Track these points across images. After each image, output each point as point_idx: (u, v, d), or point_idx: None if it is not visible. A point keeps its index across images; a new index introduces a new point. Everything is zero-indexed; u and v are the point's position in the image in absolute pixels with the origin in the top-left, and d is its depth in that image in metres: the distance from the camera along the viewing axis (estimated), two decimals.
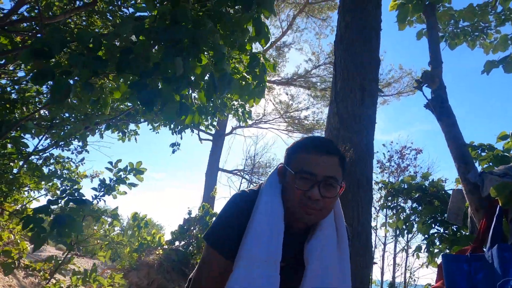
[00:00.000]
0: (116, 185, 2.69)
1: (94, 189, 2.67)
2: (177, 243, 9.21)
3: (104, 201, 2.58)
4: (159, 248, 8.78)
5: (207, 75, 2.25)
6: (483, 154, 2.88)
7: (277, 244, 1.08)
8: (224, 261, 1.09)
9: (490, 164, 2.69)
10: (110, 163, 2.78)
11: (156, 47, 2.25)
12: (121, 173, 2.77)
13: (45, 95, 3.57)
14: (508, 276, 1.58)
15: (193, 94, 2.54)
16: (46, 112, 4.20)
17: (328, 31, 13.84)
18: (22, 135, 3.49)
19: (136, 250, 8.36)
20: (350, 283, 1.15)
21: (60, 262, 2.53)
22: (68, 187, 2.53)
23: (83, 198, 2.36)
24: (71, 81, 1.96)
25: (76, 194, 2.48)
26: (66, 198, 2.40)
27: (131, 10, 3.35)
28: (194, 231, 8.89)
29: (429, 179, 4.22)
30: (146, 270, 7.95)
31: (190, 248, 8.75)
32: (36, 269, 2.39)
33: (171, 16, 2.12)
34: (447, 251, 3.31)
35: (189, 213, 9.37)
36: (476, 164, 2.96)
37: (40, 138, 3.91)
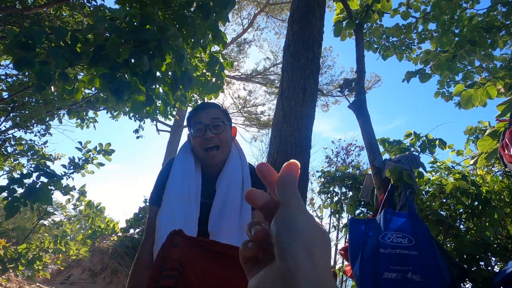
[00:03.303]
0: (85, 164, 2.97)
1: (63, 166, 2.93)
2: (131, 230, 9.32)
3: (73, 178, 2.84)
4: (113, 235, 8.86)
5: (170, 73, 2.64)
6: (394, 146, 3.58)
7: (189, 183, 1.41)
8: (157, 209, 1.40)
9: (397, 155, 3.39)
10: (80, 143, 3.05)
11: (126, 45, 2.60)
12: (90, 153, 3.06)
13: (8, 79, 3.72)
14: (386, 231, 2.20)
15: (160, 88, 2.90)
16: (6, 95, 4.31)
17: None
18: None
19: (90, 237, 8.41)
20: (250, 217, 1.40)
21: (29, 231, 2.79)
22: (34, 165, 2.75)
23: (55, 173, 2.65)
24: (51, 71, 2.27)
25: (46, 169, 2.76)
26: (38, 173, 2.68)
27: (99, 2, 3.61)
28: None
29: (360, 169, 4.94)
30: (99, 256, 8.01)
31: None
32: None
33: (139, 19, 2.50)
34: None
35: (145, 201, 9.51)
36: (387, 155, 3.67)
37: (1, 120, 4.03)
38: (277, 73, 14.48)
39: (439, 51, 3.92)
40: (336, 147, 10.76)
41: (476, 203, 3.42)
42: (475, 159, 2.68)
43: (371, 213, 4.70)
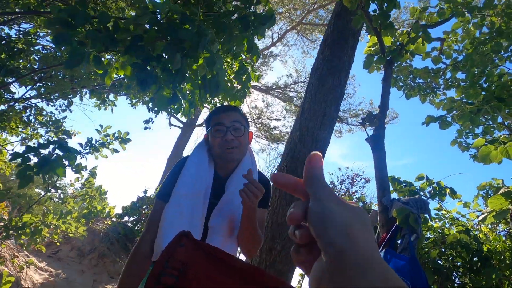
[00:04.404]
0: (100, 147, 3.02)
1: (80, 144, 2.98)
2: (126, 218, 9.32)
3: (86, 158, 2.90)
4: (108, 219, 8.87)
5: (200, 77, 2.69)
6: (404, 187, 3.57)
7: (201, 182, 1.44)
8: (164, 204, 1.43)
9: (406, 196, 3.37)
10: (101, 126, 3.12)
11: (162, 40, 2.66)
12: (108, 137, 3.11)
13: (43, 51, 3.83)
14: None
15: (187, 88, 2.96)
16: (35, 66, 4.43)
17: (314, 52, 14.54)
18: (6, 80, 3.72)
19: (85, 216, 8.44)
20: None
21: (35, 200, 2.83)
22: (52, 137, 2.81)
23: (70, 147, 2.70)
24: (85, 52, 2.34)
25: (63, 143, 2.81)
26: (54, 145, 2.74)
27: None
28: (146, 210, 8.98)
29: (364, 202, 4.91)
30: (90, 237, 8.02)
31: (138, 225, 8.86)
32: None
33: (180, 18, 2.56)
34: None
35: (145, 191, 9.52)
36: (396, 194, 3.65)
37: (27, 88, 4.13)
38: (297, 91, 14.56)
39: (464, 102, 3.93)
40: (342, 175, 10.69)
41: (476, 259, 3.37)
42: (484, 215, 2.66)
43: None
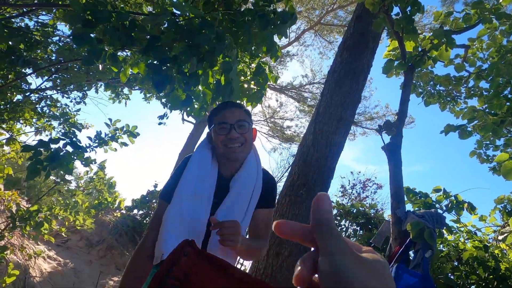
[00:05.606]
0: (109, 141, 3.01)
1: (89, 138, 2.98)
2: (135, 211, 9.38)
3: (95, 151, 2.89)
4: (117, 211, 8.95)
5: (215, 81, 2.64)
6: (420, 198, 3.45)
7: (203, 183, 1.41)
8: (166, 204, 1.41)
9: (421, 209, 3.25)
10: (110, 119, 3.11)
11: (179, 42, 2.62)
12: (117, 131, 3.10)
13: (64, 43, 3.84)
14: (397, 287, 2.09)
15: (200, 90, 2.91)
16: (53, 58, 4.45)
17: (332, 53, 14.40)
18: (23, 71, 3.75)
19: (95, 207, 8.53)
20: (247, 226, 1.44)
21: (44, 193, 2.84)
22: (65, 130, 2.81)
23: (80, 144, 2.70)
24: (102, 49, 2.32)
25: (73, 139, 2.81)
26: (65, 141, 2.73)
27: None
28: (155, 204, 9.02)
29: (375, 209, 4.80)
30: (100, 228, 8.10)
31: (147, 218, 8.91)
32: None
33: (200, 23, 2.51)
34: None
35: (155, 186, 9.56)
36: (410, 205, 3.53)
37: (43, 79, 4.15)
38: (311, 92, 14.42)
39: (487, 112, 3.78)
40: (354, 179, 10.54)
41: (492, 277, 3.24)
42: (504, 235, 2.53)
43: None
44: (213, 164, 1.48)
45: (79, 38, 2.15)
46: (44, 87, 4.03)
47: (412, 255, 2.43)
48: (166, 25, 2.46)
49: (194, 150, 1.54)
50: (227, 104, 1.50)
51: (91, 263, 7.14)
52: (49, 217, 2.72)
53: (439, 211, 3.29)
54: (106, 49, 2.33)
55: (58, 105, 4.25)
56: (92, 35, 2.30)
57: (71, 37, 2.15)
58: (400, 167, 2.88)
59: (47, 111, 4.12)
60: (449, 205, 3.20)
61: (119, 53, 2.90)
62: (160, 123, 6.32)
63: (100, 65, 3.49)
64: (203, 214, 1.38)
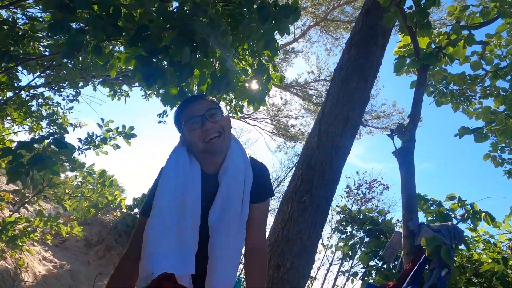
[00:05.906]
0: (101, 143, 2.79)
1: (79, 140, 2.77)
2: (136, 210, 9.24)
3: (85, 155, 2.69)
4: (117, 210, 8.80)
5: (210, 72, 2.42)
6: (432, 207, 3.20)
7: (185, 186, 1.30)
8: (145, 219, 1.30)
9: (434, 218, 3.00)
10: (102, 120, 2.89)
11: (170, 31, 2.39)
12: (110, 133, 2.87)
13: (53, 37, 3.64)
14: None
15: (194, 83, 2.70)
16: (47, 53, 4.25)
17: (338, 50, 14.08)
18: (16, 67, 3.54)
19: (95, 206, 8.38)
20: (247, 216, 1.36)
21: (27, 199, 2.65)
22: (53, 131, 2.61)
23: (66, 142, 2.48)
24: (84, 40, 2.09)
25: (60, 139, 2.59)
26: (50, 140, 2.52)
27: None
28: None
29: (384, 216, 4.55)
30: (99, 228, 7.96)
31: None
32: (3, 199, 2.48)
33: (192, 7, 2.28)
34: None
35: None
36: (423, 214, 3.28)
37: (35, 75, 3.96)
38: (317, 89, 14.14)
39: (506, 114, 3.51)
40: (359, 179, 10.29)
41: None
42: None
43: (384, 267, 4.30)
44: (193, 163, 1.36)
45: (55, 25, 1.93)
46: (35, 84, 3.84)
47: (429, 274, 2.18)
48: (155, 14, 2.25)
49: (167, 159, 1.37)
50: (190, 99, 1.42)
51: (89, 264, 6.99)
52: (27, 229, 2.52)
53: (454, 220, 3.04)
54: (90, 40, 2.11)
55: (50, 103, 4.04)
56: (73, 25, 2.09)
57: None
58: (413, 174, 2.63)
59: (37, 109, 3.90)
60: (465, 214, 2.95)
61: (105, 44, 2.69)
62: (160, 122, 6.14)
63: (80, 57, 3.27)
64: (190, 219, 1.28)
